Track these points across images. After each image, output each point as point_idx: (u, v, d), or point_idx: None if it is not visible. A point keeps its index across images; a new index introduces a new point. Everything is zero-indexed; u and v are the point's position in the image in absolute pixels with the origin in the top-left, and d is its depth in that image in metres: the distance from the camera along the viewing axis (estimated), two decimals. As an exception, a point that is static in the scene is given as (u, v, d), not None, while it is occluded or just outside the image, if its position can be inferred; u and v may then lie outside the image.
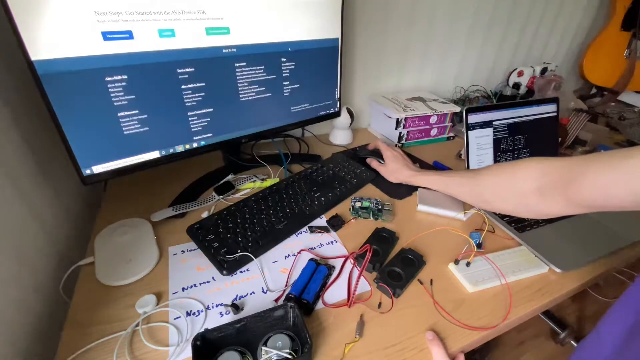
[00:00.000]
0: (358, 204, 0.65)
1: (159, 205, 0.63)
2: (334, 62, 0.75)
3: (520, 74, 1.12)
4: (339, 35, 0.72)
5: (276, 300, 0.48)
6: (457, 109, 0.93)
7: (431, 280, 0.52)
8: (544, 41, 1.26)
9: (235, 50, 0.59)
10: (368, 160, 0.78)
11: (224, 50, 0.58)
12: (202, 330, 0.39)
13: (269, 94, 0.67)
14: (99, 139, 0.51)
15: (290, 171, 0.77)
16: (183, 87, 0.56)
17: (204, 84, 0.58)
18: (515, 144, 0.76)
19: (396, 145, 0.92)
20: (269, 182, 0.71)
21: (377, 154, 0.77)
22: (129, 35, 0.48)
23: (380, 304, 0.48)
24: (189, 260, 0.53)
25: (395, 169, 0.72)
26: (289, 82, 0.69)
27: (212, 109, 0.61)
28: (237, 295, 0.48)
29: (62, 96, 0.46)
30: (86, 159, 0.50)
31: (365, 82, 0.98)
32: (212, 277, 0.50)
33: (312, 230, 0.60)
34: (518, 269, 0.54)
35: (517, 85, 1.14)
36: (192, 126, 0.60)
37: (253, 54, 0.61)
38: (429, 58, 1.04)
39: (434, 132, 0.96)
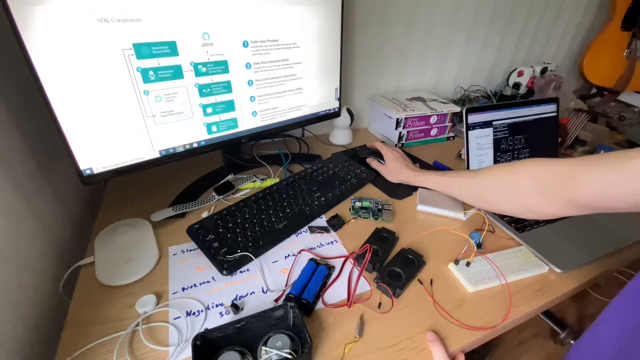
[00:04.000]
0: (358, 204, 0.65)
1: (159, 205, 0.63)
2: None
3: (520, 74, 1.12)
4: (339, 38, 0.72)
5: (276, 300, 0.48)
6: (457, 109, 0.93)
7: (431, 280, 0.52)
8: (544, 41, 1.26)
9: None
10: (368, 160, 0.78)
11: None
12: (202, 330, 0.39)
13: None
14: (99, 138, 0.51)
15: (290, 171, 0.77)
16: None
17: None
18: (515, 144, 0.76)
19: (396, 145, 0.92)
20: (269, 182, 0.71)
21: (377, 154, 0.77)
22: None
23: (380, 304, 0.48)
24: (189, 260, 0.53)
25: (395, 169, 0.72)
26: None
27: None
28: (237, 295, 0.48)
29: (62, 96, 0.46)
30: (86, 159, 0.50)
31: (365, 82, 0.99)
32: (212, 277, 0.50)
33: (312, 230, 0.60)
34: (518, 269, 0.54)
35: (517, 85, 1.14)
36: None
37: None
38: (429, 58, 1.04)
39: (434, 132, 0.96)
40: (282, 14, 0.62)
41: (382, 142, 0.79)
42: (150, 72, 0.51)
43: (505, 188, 0.50)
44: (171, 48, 0.52)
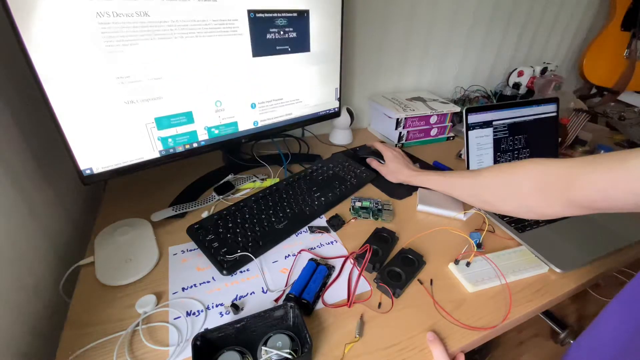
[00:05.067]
0: (358, 204, 0.65)
1: (159, 205, 0.63)
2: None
3: (520, 74, 1.12)
4: (339, 35, 0.72)
5: (276, 300, 0.48)
6: (457, 109, 0.93)
7: (431, 280, 0.52)
8: (544, 41, 1.26)
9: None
10: (368, 160, 0.78)
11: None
12: (202, 330, 0.39)
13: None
14: (99, 138, 0.51)
15: (290, 171, 0.77)
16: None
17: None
18: (515, 144, 0.76)
19: (396, 145, 0.92)
20: (269, 182, 0.71)
21: (377, 154, 0.77)
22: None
23: (380, 304, 0.48)
24: (189, 260, 0.53)
25: (395, 169, 0.72)
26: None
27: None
28: (237, 295, 0.48)
29: (62, 96, 0.46)
30: (86, 159, 0.50)
31: (365, 82, 0.99)
32: (212, 277, 0.50)
33: (312, 230, 0.60)
34: (518, 269, 0.54)
35: (517, 85, 1.14)
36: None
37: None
38: (429, 58, 1.04)
39: (434, 132, 0.96)
40: (289, 75, 0.68)
41: (382, 142, 0.79)
42: (169, 140, 0.58)
43: (506, 188, 0.50)
44: (187, 117, 0.58)
